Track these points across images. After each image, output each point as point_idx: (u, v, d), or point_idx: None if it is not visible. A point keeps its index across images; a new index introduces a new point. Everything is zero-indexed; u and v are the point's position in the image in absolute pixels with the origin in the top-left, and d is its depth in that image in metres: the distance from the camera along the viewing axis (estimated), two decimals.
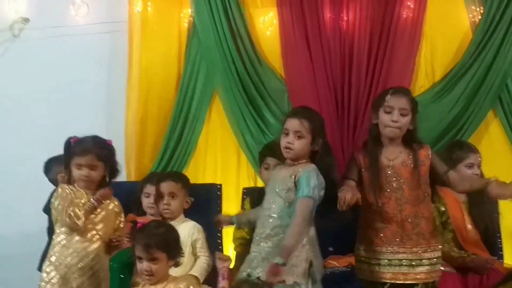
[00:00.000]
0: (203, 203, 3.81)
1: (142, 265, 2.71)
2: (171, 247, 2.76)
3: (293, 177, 2.90)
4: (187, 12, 4.56)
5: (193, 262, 3.32)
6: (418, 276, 2.98)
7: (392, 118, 3.03)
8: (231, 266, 3.69)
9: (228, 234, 3.93)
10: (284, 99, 4.41)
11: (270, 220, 2.89)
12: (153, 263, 2.71)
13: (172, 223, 3.25)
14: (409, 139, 3.09)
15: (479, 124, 4.27)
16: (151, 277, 2.71)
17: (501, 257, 3.65)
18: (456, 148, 3.66)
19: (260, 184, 4.04)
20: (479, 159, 3.59)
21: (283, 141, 2.95)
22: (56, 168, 3.72)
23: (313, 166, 2.92)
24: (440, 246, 3.06)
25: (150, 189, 3.74)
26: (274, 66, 4.50)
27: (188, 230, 3.33)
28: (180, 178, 3.52)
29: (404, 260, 2.98)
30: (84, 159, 3.06)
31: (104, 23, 4.54)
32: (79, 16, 4.63)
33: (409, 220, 2.98)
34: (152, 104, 4.50)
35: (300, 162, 2.95)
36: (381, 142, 3.10)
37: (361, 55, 4.34)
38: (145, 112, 4.47)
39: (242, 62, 4.44)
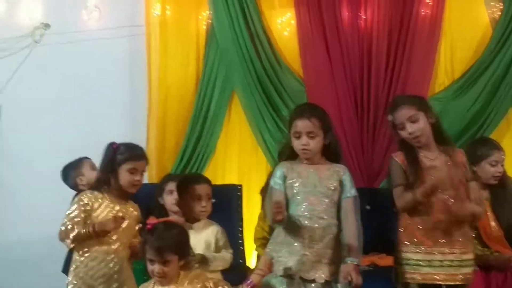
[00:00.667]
0: (224, 204, 3.82)
1: (154, 268, 2.67)
2: (182, 249, 2.75)
3: (336, 176, 2.93)
4: (205, 14, 4.60)
5: None
6: (456, 277, 2.96)
7: (408, 132, 3.03)
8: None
9: (249, 234, 3.94)
10: (303, 99, 4.41)
11: (320, 221, 2.88)
12: (165, 265, 2.67)
13: (197, 224, 3.27)
14: (439, 134, 3.08)
15: (500, 120, 4.24)
16: (163, 279, 2.69)
17: None
18: (480, 145, 3.62)
19: None
20: (503, 156, 3.54)
21: (297, 144, 2.93)
22: (73, 174, 3.76)
23: (343, 165, 2.98)
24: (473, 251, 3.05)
25: (172, 186, 3.75)
26: (293, 66, 4.52)
27: (212, 232, 3.32)
28: (209, 181, 3.49)
29: (445, 261, 2.96)
30: (140, 164, 3.09)
31: (123, 27, 4.57)
32: (98, 21, 4.68)
33: (454, 220, 2.96)
34: (172, 106, 4.53)
35: (319, 161, 2.97)
36: (415, 148, 3.08)
37: (380, 54, 4.33)
38: (165, 114, 4.51)
39: (261, 62, 4.46)
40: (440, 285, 2.97)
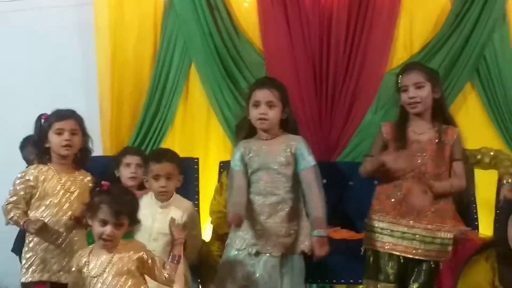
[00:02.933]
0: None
1: (105, 229, 2.60)
2: (135, 215, 2.71)
3: (288, 151, 2.95)
4: None
5: None
6: (428, 253, 3.01)
7: (409, 95, 3.04)
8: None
9: (205, 208, 3.93)
10: (262, 73, 4.37)
11: (274, 197, 2.94)
12: (117, 228, 2.62)
13: (167, 203, 3.18)
14: (439, 111, 3.10)
15: (456, 95, 4.27)
16: (109, 243, 2.62)
17: (476, 227, 3.67)
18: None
19: None
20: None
21: (255, 113, 2.97)
22: (31, 148, 3.69)
23: (299, 136, 3.03)
24: (453, 228, 3.08)
25: (130, 159, 3.70)
26: (252, 39, 4.46)
27: (182, 214, 3.17)
28: (175, 158, 3.30)
29: (417, 235, 3.00)
30: (65, 124, 3.02)
31: None
32: None
33: (428, 196, 2.99)
34: (128, 78, 4.45)
35: (276, 134, 2.98)
36: (409, 120, 3.11)
37: (339, 28, 4.31)
38: (120, 86, 4.43)
39: (220, 35, 4.40)
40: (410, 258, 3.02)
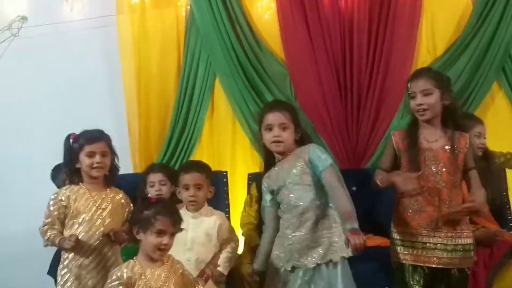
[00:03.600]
0: None
1: (163, 239, 2.67)
2: (181, 224, 2.79)
3: (301, 161, 2.95)
4: (185, 0, 4.55)
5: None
6: (451, 261, 2.97)
7: (416, 102, 3.02)
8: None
9: (235, 220, 3.93)
10: (286, 82, 4.40)
11: (298, 209, 2.92)
12: (172, 238, 2.71)
13: (198, 213, 3.27)
14: (450, 118, 3.06)
15: (484, 96, 4.23)
16: (166, 252, 2.71)
17: (510, 228, 3.62)
18: (463, 118, 3.64)
19: None
20: (485, 129, 3.57)
21: (269, 137, 2.99)
22: (61, 176, 3.73)
23: (309, 144, 3.01)
24: (472, 233, 3.03)
25: (153, 177, 3.75)
26: (274, 50, 4.48)
27: (215, 221, 3.29)
28: (205, 168, 3.43)
29: (439, 245, 2.97)
30: (96, 147, 3.06)
31: (101, 17, 4.53)
32: (76, 12, 4.62)
33: (446, 204, 2.96)
34: (153, 95, 4.49)
35: (294, 150, 3.00)
36: (419, 126, 3.09)
37: (361, 34, 4.31)
38: (147, 103, 4.48)
39: (242, 47, 4.43)
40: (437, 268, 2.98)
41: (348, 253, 2.87)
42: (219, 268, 3.20)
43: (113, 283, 2.67)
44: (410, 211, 3.00)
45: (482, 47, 4.22)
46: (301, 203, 2.92)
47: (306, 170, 2.93)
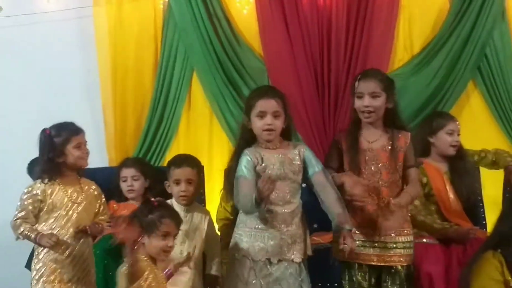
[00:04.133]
0: None
1: (168, 242, 2.70)
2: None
3: (298, 158, 2.96)
4: None
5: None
6: (392, 259, 3.00)
7: (363, 103, 3.02)
8: None
9: (212, 215, 3.92)
10: (264, 78, 4.40)
11: (292, 205, 2.93)
12: (174, 239, 2.77)
13: (191, 207, 3.28)
14: (391, 120, 3.08)
15: (459, 95, 4.27)
16: (169, 254, 2.76)
17: (484, 226, 3.66)
18: (436, 116, 3.68)
19: None
20: (459, 127, 3.61)
21: (261, 124, 2.93)
22: (38, 169, 3.69)
23: (301, 143, 3.13)
24: (412, 231, 3.07)
25: (125, 172, 3.74)
26: (253, 45, 4.48)
27: (205, 216, 3.32)
28: (196, 164, 3.40)
29: (378, 243, 3.00)
30: (82, 137, 3.09)
31: (78, 9, 4.48)
32: (52, 2, 4.57)
33: (385, 203, 2.98)
34: (130, 89, 4.47)
35: (279, 142, 2.99)
36: (361, 125, 3.09)
37: (339, 31, 4.32)
38: (123, 97, 4.45)
39: (220, 42, 4.41)
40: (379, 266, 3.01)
41: (310, 251, 3.01)
42: (215, 272, 3.22)
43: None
44: (352, 209, 3.01)
45: (459, 46, 4.26)
46: (294, 201, 2.95)
47: (300, 168, 2.97)
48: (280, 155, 2.96)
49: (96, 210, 3.16)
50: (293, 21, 4.34)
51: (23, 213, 3.00)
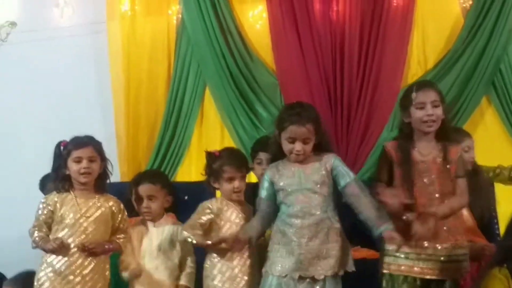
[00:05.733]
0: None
1: (234, 184, 3.07)
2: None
3: (323, 169, 2.91)
4: (175, 8, 4.55)
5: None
6: (445, 273, 2.94)
7: (427, 113, 2.98)
8: None
9: None
10: (276, 93, 4.40)
11: (313, 218, 2.87)
12: (243, 179, 3.11)
13: (156, 224, 3.25)
14: (444, 131, 3.03)
15: (473, 110, 4.24)
16: (241, 193, 3.09)
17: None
18: (452, 133, 3.64)
19: (253, 179, 4.03)
20: (473, 144, 3.57)
21: (290, 148, 2.91)
22: (50, 186, 3.69)
23: (331, 153, 2.99)
24: (466, 243, 3.01)
25: (142, 190, 3.69)
26: (265, 60, 4.49)
27: (173, 231, 3.26)
28: (158, 179, 3.39)
29: (433, 255, 2.95)
30: (84, 152, 3.04)
31: (92, 24, 4.52)
32: (66, 18, 4.63)
33: (440, 215, 2.92)
34: (143, 103, 4.50)
35: (309, 157, 2.95)
36: (413, 138, 3.04)
37: (352, 46, 4.31)
38: (136, 111, 4.48)
39: (233, 57, 4.43)
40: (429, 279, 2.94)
41: (352, 267, 2.94)
42: (185, 283, 3.18)
43: (205, 211, 3.06)
44: (405, 222, 2.98)
45: (473, 61, 4.23)
46: (318, 212, 2.88)
47: (326, 181, 2.91)
48: (299, 167, 2.94)
49: (116, 226, 3.14)
50: (306, 36, 4.34)
51: (37, 222, 3.04)
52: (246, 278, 3.02)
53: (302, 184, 2.91)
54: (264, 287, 2.92)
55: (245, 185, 3.20)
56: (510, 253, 2.52)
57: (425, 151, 3.01)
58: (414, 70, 4.38)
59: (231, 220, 3.06)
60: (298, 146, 2.90)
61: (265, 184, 2.99)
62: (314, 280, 2.86)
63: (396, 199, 2.86)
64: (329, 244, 2.89)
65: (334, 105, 4.34)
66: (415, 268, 2.95)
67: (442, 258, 2.94)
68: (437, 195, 2.95)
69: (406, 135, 3.07)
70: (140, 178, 3.37)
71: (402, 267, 2.97)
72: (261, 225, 3.00)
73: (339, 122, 4.32)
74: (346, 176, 2.91)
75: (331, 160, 2.94)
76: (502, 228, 3.64)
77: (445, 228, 2.95)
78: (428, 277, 2.95)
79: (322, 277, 2.86)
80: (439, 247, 2.94)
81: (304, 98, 4.26)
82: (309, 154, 2.94)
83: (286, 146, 2.94)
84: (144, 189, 3.28)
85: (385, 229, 2.80)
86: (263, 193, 2.99)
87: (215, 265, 3.04)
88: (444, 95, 3.08)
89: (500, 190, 3.70)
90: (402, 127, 3.10)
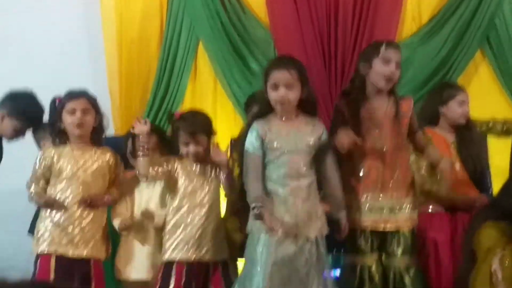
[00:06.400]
0: None
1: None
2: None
3: (316, 135, 2.92)
4: None
5: None
6: (399, 223, 3.00)
7: (391, 70, 3.01)
8: None
9: None
10: (270, 48, 4.36)
11: (307, 179, 2.89)
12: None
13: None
14: (393, 89, 3.09)
15: (467, 64, 4.24)
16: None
17: (491, 195, 3.64)
18: (446, 87, 3.66)
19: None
20: (468, 98, 3.58)
21: (275, 95, 2.87)
22: (42, 134, 3.68)
23: (321, 123, 2.99)
24: (413, 195, 3.10)
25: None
26: (259, 15, 4.44)
27: None
28: (157, 132, 3.44)
29: (385, 207, 2.99)
30: (77, 103, 3.05)
31: None
32: None
33: (389, 168, 3.00)
34: (135, 59, 4.45)
35: (296, 114, 2.95)
36: (365, 92, 3.07)
37: (347, 1, 4.27)
38: (128, 67, 4.43)
39: (226, 12, 4.39)
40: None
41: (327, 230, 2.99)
42: None
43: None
44: (356, 175, 3.02)
45: (467, 15, 4.22)
46: (310, 174, 2.90)
47: (315, 146, 2.92)
48: (292, 127, 2.92)
49: (113, 178, 3.17)
50: None
51: (35, 176, 3.07)
52: None
53: (297, 145, 2.89)
54: (253, 246, 2.88)
55: (203, 149, 3.18)
56: (508, 212, 2.56)
57: (377, 105, 3.03)
58: (409, 25, 4.35)
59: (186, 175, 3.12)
60: (281, 91, 2.86)
61: (253, 137, 2.89)
62: (306, 240, 2.87)
63: (347, 138, 2.89)
64: (317, 206, 2.92)
65: (328, 60, 4.31)
66: (368, 221, 3.01)
67: (396, 209, 2.99)
68: (386, 149, 3.00)
69: (358, 88, 3.07)
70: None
71: (356, 221, 3.01)
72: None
73: (333, 79, 4.30)
74: (329, 153, 2.93)
75: (322, 129, 2.95)
76: (494, 181, 3.69)
77: (394, 179, 2.99)
78: (380, 230, 3.01)
79: (313, 237, 2.88)
80: (390, 197, 2.98)
81: (297, 53, 4.22)
82: (294, 103, 2.91)
83: (271, 95, 2.89)
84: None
85: (342, 215, 2.93)
86: (254, 148, 2.89)
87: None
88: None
89: (493, 143, 3.72)
90: (356, 79, 3.11)
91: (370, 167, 3.03)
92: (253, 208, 2.79)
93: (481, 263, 2.60)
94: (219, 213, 3.23)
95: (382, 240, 3.05)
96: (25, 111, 3.58)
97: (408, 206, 3.04)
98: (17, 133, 3.63)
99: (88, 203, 3.03)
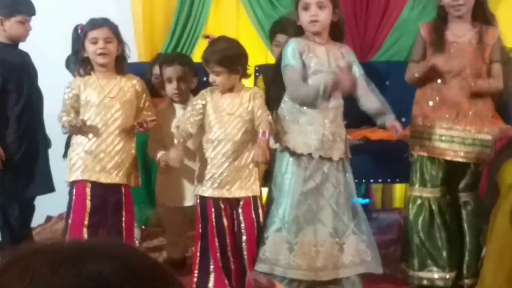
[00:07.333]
0: None
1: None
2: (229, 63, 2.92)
3: (345, 58, 2.95)
4: None
5: None
6: (468, 155, 3.02)
7: None
8: None
9: None
10: None
11: (335, 101, 2.92)
12: (216, 75, 2.91)
13: (184, 106, 3.25)
14: (479, 13, 3.01)
15: None
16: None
17: None
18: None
19: (272, 61, 4.00)
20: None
21: (306, 16, 2.86)
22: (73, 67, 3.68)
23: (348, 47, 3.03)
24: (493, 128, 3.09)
25: (168, 71, 3.68)
26: None
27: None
28: (186, 60, 3.45)
29: (456, 138, 3.00)
30: (99, 32, 3.04)
31: None
32: None
33: (468, 98, 2.98)
34: None
35: (327, 39, 2.93)
36: (448, 19, 3.02)
37: None
38: None
39: None
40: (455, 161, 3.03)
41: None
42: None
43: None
44: (431, 103, 3.01)
45: None
46: (339, 98, 2.93)
47: (346, 67, 2.93)
48: (327, 50, 2.93)
49: (141, 106, 3.18)
50: None
51: (64, 108, 3.09)
52: None
53: (330, 66, 2.91)
54: (281, 166, 2.95)
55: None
56: None
57: (459, 33, 2.99)
58: None
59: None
60: (313, 9, 2.84)
61: (292, 52, 2.87)
62: (330, 161, 2.93)
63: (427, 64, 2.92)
64: (341, 129, 2.97)
65: None
66: (438, 150, 3.01)
67: (466, 141, 2.99)
68: (466, 77, 2.97)
69: (441, 17, 3.02)
70: (168, 60, 3.39)
71: (427, 148, 3.03)
72: None
73: (358, 4, 4.22)
74: (359, 68, 2.97)
75: (349, 53, 3.00)
76: None
77: (471, 111, 2.98)
78: (449, 158, 3.02)
79: (337, 158, 2.93)
80: (464, 129, 2.98)
81: None
82: (326, 25, 2.89)
83: (303, 17, 2.88)
84: (175, 70, 3.29)
85: (387, 118, 2.87)
86: (295, 63, 2.86)
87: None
88: None
89: None
90: (438, 10, 3.07)
91: (447, 94, 3.01)
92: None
93: (502, 198, 2.64)
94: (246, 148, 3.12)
95: (448, 171, 3.06)
96: None
97: (481, 141, 3.03)
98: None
99: (144, 126, 3.07)
